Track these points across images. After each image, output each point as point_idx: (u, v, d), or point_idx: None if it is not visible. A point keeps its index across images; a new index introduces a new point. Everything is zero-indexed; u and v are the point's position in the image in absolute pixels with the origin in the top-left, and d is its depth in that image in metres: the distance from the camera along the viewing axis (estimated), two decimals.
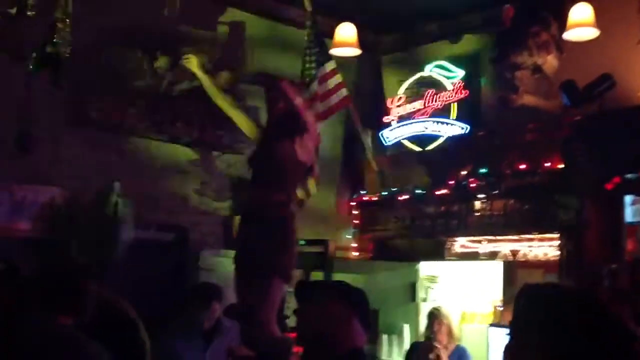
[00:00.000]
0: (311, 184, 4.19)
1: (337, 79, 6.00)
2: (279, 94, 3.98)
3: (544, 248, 5.67)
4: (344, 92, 6.04)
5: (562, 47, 5.78)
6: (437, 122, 6.54)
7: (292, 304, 4.29)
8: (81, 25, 4.28)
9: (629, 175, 5.15)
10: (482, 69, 6.57)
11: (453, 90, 6.53)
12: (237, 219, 4.37)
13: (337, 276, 5.68)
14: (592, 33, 5.36)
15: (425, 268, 5.99)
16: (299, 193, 4.07)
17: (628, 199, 5.37)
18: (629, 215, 5.37)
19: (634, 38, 5.55)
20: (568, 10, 5.58)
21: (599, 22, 5.43)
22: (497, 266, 5.71)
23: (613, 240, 5.30)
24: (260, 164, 4.05)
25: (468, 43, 6.69)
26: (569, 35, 5.45)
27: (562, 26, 5.65)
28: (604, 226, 5.37)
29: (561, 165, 5.52)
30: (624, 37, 5.59)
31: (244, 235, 3.96)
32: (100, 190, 5.20)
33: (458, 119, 6.46)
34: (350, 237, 6.78)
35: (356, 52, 5.91)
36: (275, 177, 3.92)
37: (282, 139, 3.93)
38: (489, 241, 5.95)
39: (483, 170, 5.95)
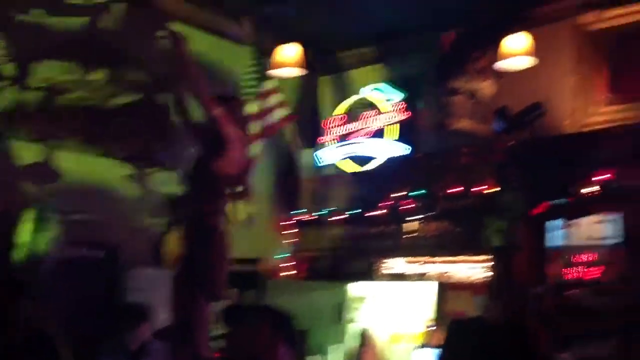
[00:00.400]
0: (243, 204, 4.17)
1: (278, 97, 6.00)
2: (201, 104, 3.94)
3: (474, 270, 5.76)
4: (284, 111, 6.04)
5: (499, 74, 5.92)
6: (374, 143, 6.60)
7: (220, 326, 4.24)
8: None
9: (557, 201, 5.29)
10: (421, 92, 6.67)
11: (391, 112, 6.61)
12: (171, 235, 4.32)
13: (269, 296, 5.68)
14: (526, 62, 5.51)
15: (355, 288, 6.01)
16: (231, 212, 4.04)
17: (556, 223, 5.53)
18: (556, 239, 5.53)
19: (565, 68, 5.75)
20: (505, 38, 5.74)
21: (534, 51, 5.60)
22: (428, 287, 5.77)
23: (540, 263, 5.43)
24: (190, 179, 4.04)
25: (408, 66, 6.78)
26: (502, 65, 5.58)
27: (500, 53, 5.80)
28: (532, 250, 5.50)
29: (494, 189, 5.63)
30: (555, 66, 5.77)
31: (177, 252, 3.93)
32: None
33: (395, 140, 6.53)
34: (283, 256, 6.77)
35: (299, 72, 5.94)
36: (204, 192, 3.90)
37: (205, 153, 3.93)
38: (421, 262, 6.01)
39: (418, 192, 6.03)
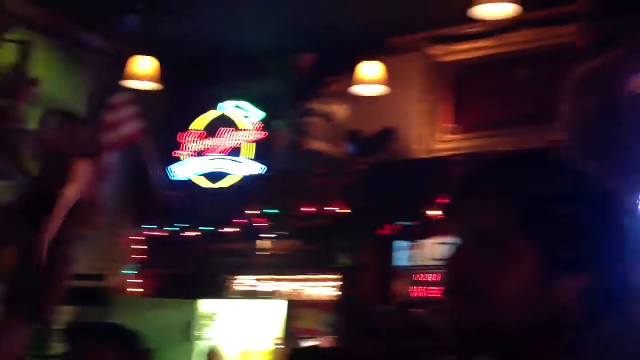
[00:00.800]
0: (90, 218, 4.04)
1: (131, 109, 5.87)
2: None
3: (323, 288, 5.87)
4: (136, 123, 5.91)
5: (353, 98, 6.11)
6: (230, 160, 6.60)
7: (60, 345, 4.06)
8: None
9: (404, 222, 5.51)
10: (279, 111, 6.75)
11: (249, 130, 6.64)
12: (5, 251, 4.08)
13: (115, 313, 5.50)
14: (378, 89, 5.72)
15: (205, 306, 5.96)
16: (76, 227, 3.90)
17: (402, 244, 5.75)
18: (402, 259, 5.75)
19: (414, 96, 6.02)
20: (361, 64, 5.95)
21: (387, 78, 5.82)
22: (278, 305, 5.82)
23: (386, 283, 5.63)
24: (29, 198, 3.85)
25: (268, 85, 6.83)
26: (356, 90, 5.77)
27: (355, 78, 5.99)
28: (379, 269, 5.69)
29: (344, 210, 5.78)
30: (406, 94, 6.03)
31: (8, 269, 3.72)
32: None
33: (252, 158, 6.56)
34: (131, 272, 6.59)
35: (153, 85, 5.84)
36: (42, 211, 3.73)
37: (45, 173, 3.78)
38: (271, 280, 6.06)
39: (271, 211, 6.08)
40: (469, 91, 5.95)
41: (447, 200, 1.10)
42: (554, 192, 1.01)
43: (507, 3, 4.48)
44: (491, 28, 5.60)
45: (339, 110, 6.17)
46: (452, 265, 1.04)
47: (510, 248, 1.00)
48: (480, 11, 4.60)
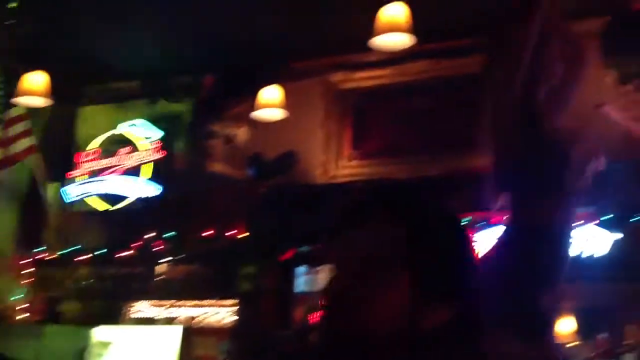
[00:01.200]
0: None
1: (23, 126, 5.64)
2: None
3: (221, 314, 5.79)
4: (28, 140, 5.69)
5: (255, 121, 6.08)
6: (127, 181, 6.43)
7: None
8: None
9: (302, 248, 5.52)
10: (179, 132, 6.64)
11: (149, 150, 6.50)
12: None
13: (3, 342, 5.26)
14: (279, 114, 5.72)
15: (99, 333, 5.77)
16: None
17: (302, 269, 5.76)
18: (302, 285, 5.75)
19: (316, 121, 6.06)
20: (262, 87, 5.94)
21: (289, 103, 5.84)
22: (174, 331, 5.70)
23: (286, 309, 5.62)
24: None
25: (168, 105, 6.72)
26: (257, 114, 5.75)
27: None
28: (279, 295, 5.67)
29: (244, 234, 5.74)
30: (308, 119, 6.06)
31: None
32: None
33: (151, 179, 6.42)
34: (20, 298, 6.29)
35: (46, 101, 5.63)
36: None
37: None
38: (169, 306, 5.93)
39: (169, 234, 5.97)
40: (369, 118, 6.04)
41: (330, 227, 1.13)
42: (427, 226, 1.09)
43: (404, 34, 4.59)
44: (391, 57, 5.72)
45: (241, 132, 6.14)
46: (330, 289, 1.09)
47: (385, 274, 1.05)
48: (379, 42, 4.70)
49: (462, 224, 1.17)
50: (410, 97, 5.82)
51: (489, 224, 4.70)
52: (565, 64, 2.70)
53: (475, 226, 4.81)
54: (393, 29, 4.57)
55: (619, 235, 4.42)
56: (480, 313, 1.09)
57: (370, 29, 4.62)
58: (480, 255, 1.19)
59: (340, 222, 1.12)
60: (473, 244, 1.16)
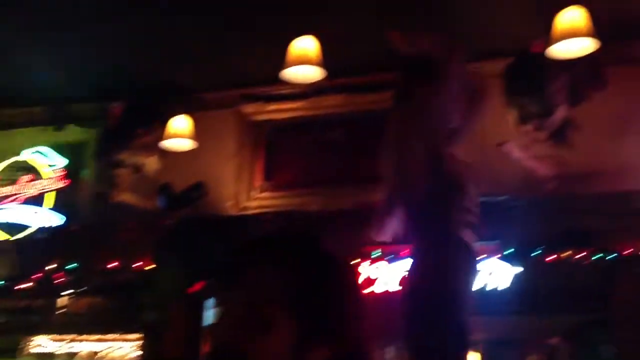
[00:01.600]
0: None
1: None
2: None
3: (125, 349, 5.64)
4: None
5: (165, 151, 6.00)
6: (28, 210, 6.21)
7: None
8: None
9: (211, 280, 5.45)
10: (85, 160, 6.48)
11: (52, 178, 6.30)
12: None
13: None
14: (189, 144, 5.67)
15: None
16: None
17: (209, 302, 5.68)
18: (210, 318, 5.67)
19: (228, 152, 6.04)
20: (173, 117, 5.88)
21: (200, 133, 5.80)
22: None
23: (193, 342, 5.51)
24: None
25: (74, 133, 6.55)
26: (166, 144, 5.69)
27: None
28: (185, 328, 5.57)
29: (151, 266, 5.62)
30: (219, 150, 6.03)
31: None
32: None
33: (54, 209, 6.22)
34: None
35: None
36: None
37: None
38: (70, 340, 5.73)
39: (72, 266, 5.78)
40: (282, 150, 6.07)
41: (219, 269, 1.16)
42: (309, 274, 1.11)
43: (314, 67, 4.67)
44: (303, 90, 5.79)
45: (150, 162, 6.03)
46: (216, 331, 1.12)
47: (268, 320, 1.07)
48: (289, 74, 4.77)
49: (346, 267, 1.20)
50: (322, 130, 5.89)
51: (398, 257, 4.79)
52: (466, 108, 2.79)
53: (385, 259, 4.89)
54: (303, 62, 4.65)
55: (520, 269, 4.59)
56: (368, 354, 1.12)
57: (283, 62, 4.68)
58: (379, 290, 1.24)
59: (229, 266, 1.14)
60: (358, 285, 1.21)
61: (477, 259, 2.66)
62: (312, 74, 4.75)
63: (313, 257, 1.14)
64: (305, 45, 4.66)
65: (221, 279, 1.15)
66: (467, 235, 2.60)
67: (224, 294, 1.13)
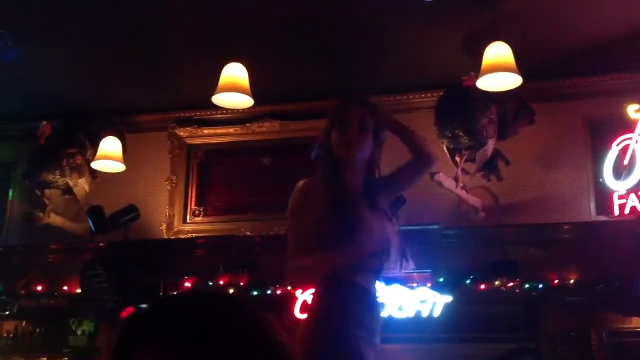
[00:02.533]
0: None
1: None
2: None
3: None
4: None
5: (96, 172, 5.90)
6: None
7: None
8: None
9: (142, 305, 5.35)
10: (12, 180, 6.32)
11: None
12: None
13: None
14: (118, 167, 5.61)
15: None
16: None
17: None
18: None
19: (162, 175, 5.98)
20: (104, 138, 5.79)
21: (132, 156, 5.74)
22: None
23: None
24: None
25: (1, 150, 6.38)
26: (97, 165, 5.61)
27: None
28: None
29: (79, 290, 5.50)
30: (153, 173, 5.97)
31: None
32: None
33: None
34: None
35: None
36: None
37: None
38: None
39: None
40: (215, 175, 6.05)
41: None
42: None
43: (243, 95, 4.71)
44: (238, 116, 5.80)
45: (81, 183, 5.91)
46: None
47: None
48: (219, 100, 4.80)
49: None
50: (257, 155, 5.90)
51: None
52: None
53: None
54: (233, 89, 4.69)
55: (450, 298, 4.69)
56: None
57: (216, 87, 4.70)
58: None
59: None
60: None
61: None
62: (241, 100, 4.79)
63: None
64: (236, 72, 4.70)
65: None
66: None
67: None
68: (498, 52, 4.41)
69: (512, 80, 4.46)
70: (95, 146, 5.84)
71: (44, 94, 5.75)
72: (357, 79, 5.17)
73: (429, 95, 5.39)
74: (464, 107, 4.83)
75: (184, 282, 5.24)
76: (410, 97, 5.50)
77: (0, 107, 5.99)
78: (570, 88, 5.28)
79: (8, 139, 6.35)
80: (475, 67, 4.54)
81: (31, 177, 5.87)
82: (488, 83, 4.51)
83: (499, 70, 4.39)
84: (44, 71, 5.47)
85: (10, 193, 6.29)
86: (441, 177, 4.79)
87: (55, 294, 5.58)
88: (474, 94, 4.79)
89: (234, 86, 4.68)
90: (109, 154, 5.57)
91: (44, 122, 5.87)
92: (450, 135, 4.91)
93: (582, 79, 5.22)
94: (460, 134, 4.88)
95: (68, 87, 5.68)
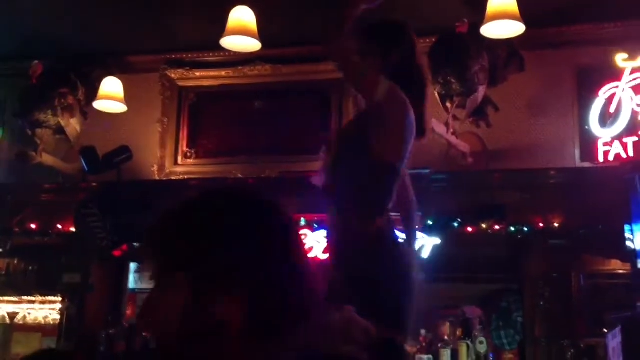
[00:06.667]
0: None
1: None
2: None
3: (45, 311, 5.59)
4: None
5: (87, 113, 5.91)
6: None
7: None
8: None
9: (135, 244, 5.45)
10: (3, 120, 6.30)
11: None
12: None
13: None
14: (120, 107, 5.64)
15: None
16: None
17: (133, 266, 5.69)
18: (132, 282, 5.69)
19: (153, 117, 6.01)
20: (96, 78, 5.80)
21: (125, 97, 5.75)
22: None
23: (115, 305, 5.53)
24: None
25: None
26: (98, 105, 5.63)
27: (90, 93, 5.81)
28: (108, 291, 5.57)
29: (73, 228, 5.56)
30: (145, 114, 6.00)
31: None
32: None
33: None
34: None
35: None
36: None
37: None
38: None
39: None
40: (207, 117, 6.08)
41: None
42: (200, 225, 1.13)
43: (251, 38, 4.74)
44: (232, 59, 5.81)
45: (72, 124, 5.93)
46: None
47: (167, 281, 1.10)
48: (227, 43, 4.83)
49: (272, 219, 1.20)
50: (250, 99, 5.94)
51: (322, 226, 4.93)
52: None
53: (309, 226, 5.03)
54: (241, 32, 4.72)
55: (439, 240, 4.83)
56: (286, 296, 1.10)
57: (209, 29, 4.73)
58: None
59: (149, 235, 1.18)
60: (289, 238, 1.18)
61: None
62: (249, 44, 4.83)
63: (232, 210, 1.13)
64: (244, 15, 4.72)
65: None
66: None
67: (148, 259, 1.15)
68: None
69: (515, 28, 4.53)
70: (87, 87, 5.84)
71: (35, 35, 5.72)
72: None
73: (422, 41, 5.42)
74: (456, 54, 4.89)
75: None
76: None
77: None
78: (559, 37, 5.34)
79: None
80: (470, 14, 4.58)
81: (23, 116, 5.87)
82: (492, 30, 4.57)
83: (504, 18, 4.45)
84: (33, 11, 5.43)
85: (1, 132, 6.29)
86: (433, 122, 4.87)
87: (50, 232, 5.64)
88: (467, 41, 4.85)
89: (242, 30, 4.70)
90: (111, 95, 5.59)
91: (36, 62, 5.85)
92: (442, 81, 4.97)
93: (572, 27, 5.29)
94: (452, 80, 4.94)
95: (60, 27, 5.64)
